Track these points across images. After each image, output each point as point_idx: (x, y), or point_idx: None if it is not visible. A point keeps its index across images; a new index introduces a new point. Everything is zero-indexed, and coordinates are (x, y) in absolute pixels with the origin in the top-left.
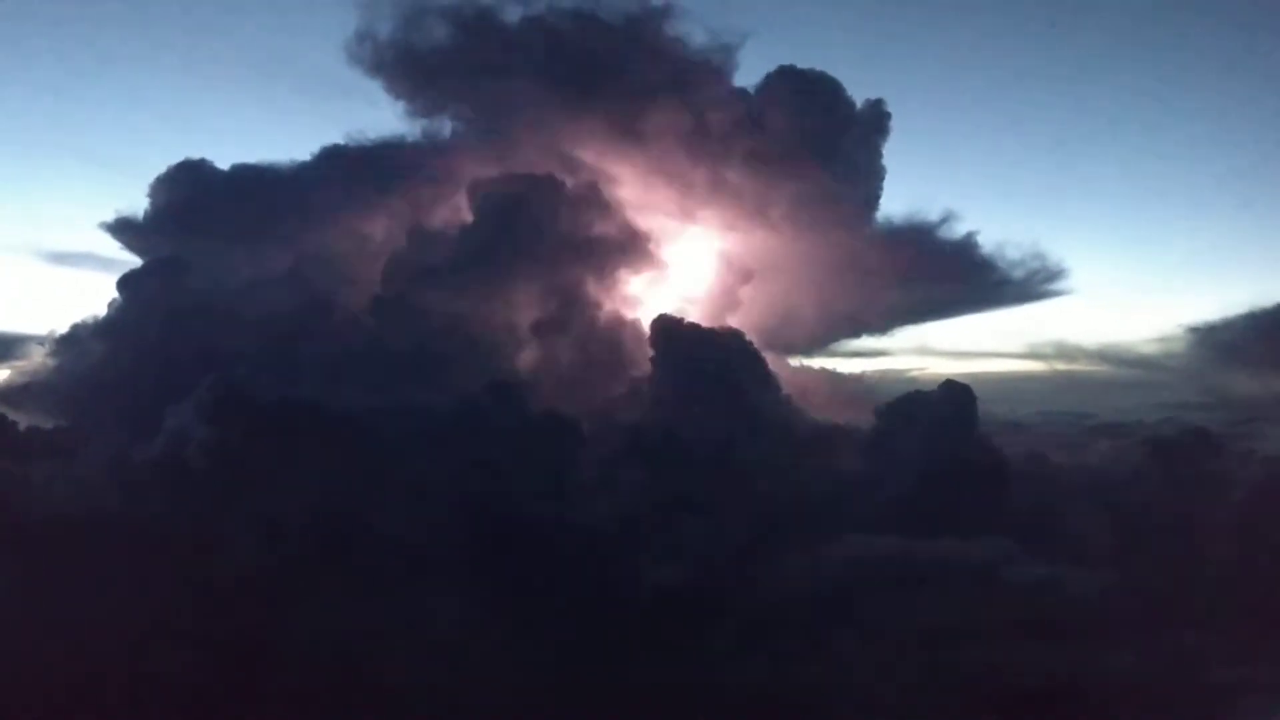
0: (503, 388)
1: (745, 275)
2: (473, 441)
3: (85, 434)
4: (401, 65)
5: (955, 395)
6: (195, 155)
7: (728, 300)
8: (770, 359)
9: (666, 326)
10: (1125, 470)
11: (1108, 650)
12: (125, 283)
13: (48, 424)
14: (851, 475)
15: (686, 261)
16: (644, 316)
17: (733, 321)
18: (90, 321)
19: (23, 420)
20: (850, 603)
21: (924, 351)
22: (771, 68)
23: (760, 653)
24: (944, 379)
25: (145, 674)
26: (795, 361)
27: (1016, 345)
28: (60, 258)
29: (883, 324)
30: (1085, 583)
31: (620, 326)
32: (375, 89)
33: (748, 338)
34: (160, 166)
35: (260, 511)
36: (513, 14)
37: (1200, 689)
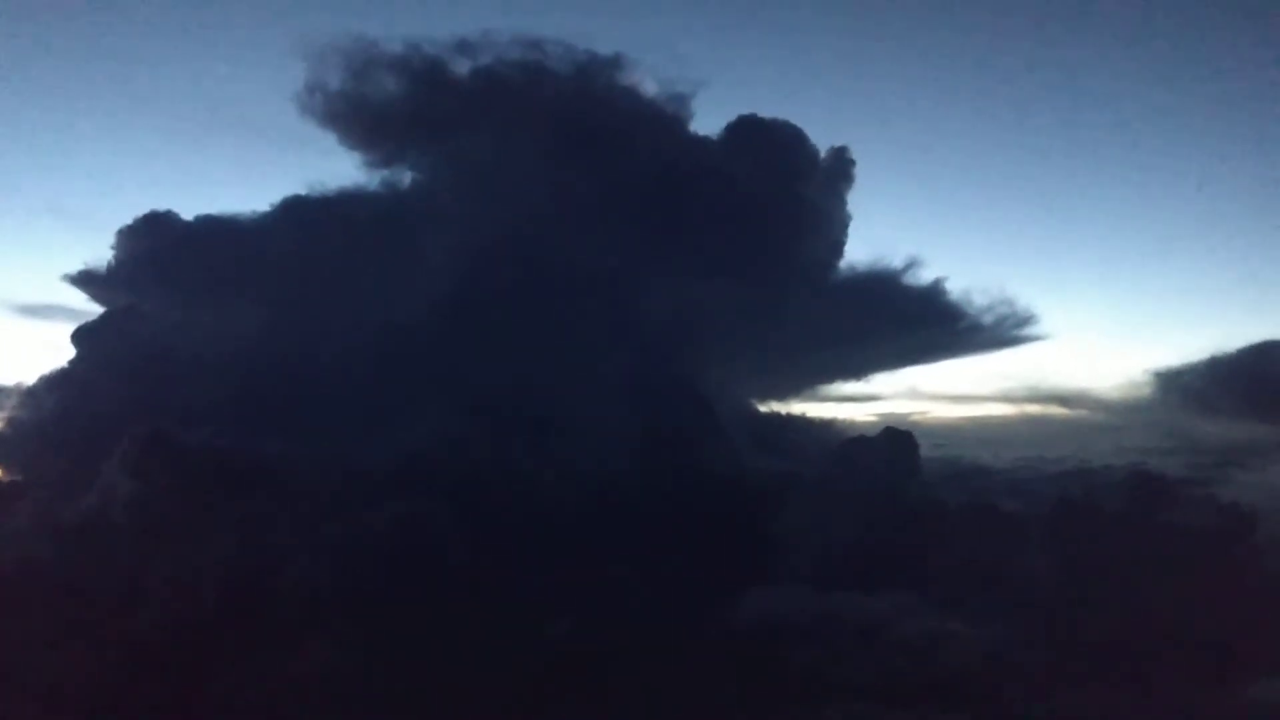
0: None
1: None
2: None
3: (25, 488)
4: (353, 117)
5: (896, 443)
6: (162, 207)
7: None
8: (737, 405)
9: None
10: (1072, 519)
11: (960, 712)
12: (80, 335)
13: (6, 478)
14: (786, 523)
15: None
16: None
17: (695, 367)
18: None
19: None
20: (735, 657)
21: (915, 396)
22: (732, 117)
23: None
24: (915, 422)
25: None
26: (766, 407)
27: (995, 390)
28: (30, 310)
29: (858, 370)
30: (974, 639)
31: None
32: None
33: (699, 385)
34: (128, 219)
35: (182, 564)
36: (462, 66)
37: None
